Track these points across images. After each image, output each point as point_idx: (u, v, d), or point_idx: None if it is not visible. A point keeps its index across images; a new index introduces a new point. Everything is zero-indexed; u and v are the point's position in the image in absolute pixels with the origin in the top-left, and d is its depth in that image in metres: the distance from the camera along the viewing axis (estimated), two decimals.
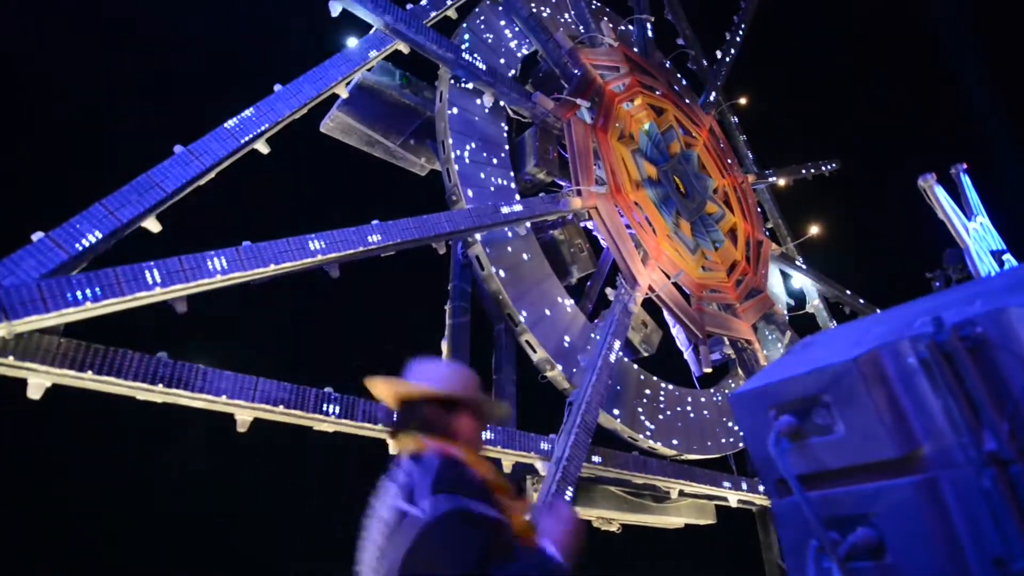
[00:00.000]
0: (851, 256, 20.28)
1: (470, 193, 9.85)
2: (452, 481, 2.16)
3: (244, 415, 6.61)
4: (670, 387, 11.81)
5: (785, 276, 17.11)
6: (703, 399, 12.41)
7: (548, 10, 13.53)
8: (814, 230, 17.61)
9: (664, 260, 11.99)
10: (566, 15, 13.91)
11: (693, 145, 14.88)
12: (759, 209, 17.03)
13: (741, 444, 12.16)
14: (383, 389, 2.58)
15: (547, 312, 9.97)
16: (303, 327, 13.58)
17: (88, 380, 5.81)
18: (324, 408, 7.00)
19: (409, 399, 2.51)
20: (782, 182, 18.60)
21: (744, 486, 11.53)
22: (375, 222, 7.86)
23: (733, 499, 11.50)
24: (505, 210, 9.52)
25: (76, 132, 11.92)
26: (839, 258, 18.89)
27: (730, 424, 12.40)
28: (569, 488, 8.37)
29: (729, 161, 16.32)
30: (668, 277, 11.81)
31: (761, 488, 11.54)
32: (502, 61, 11.92)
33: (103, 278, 5.89)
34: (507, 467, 8.79)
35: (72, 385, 5.84)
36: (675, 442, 11.08)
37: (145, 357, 6.05)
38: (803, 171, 19.14)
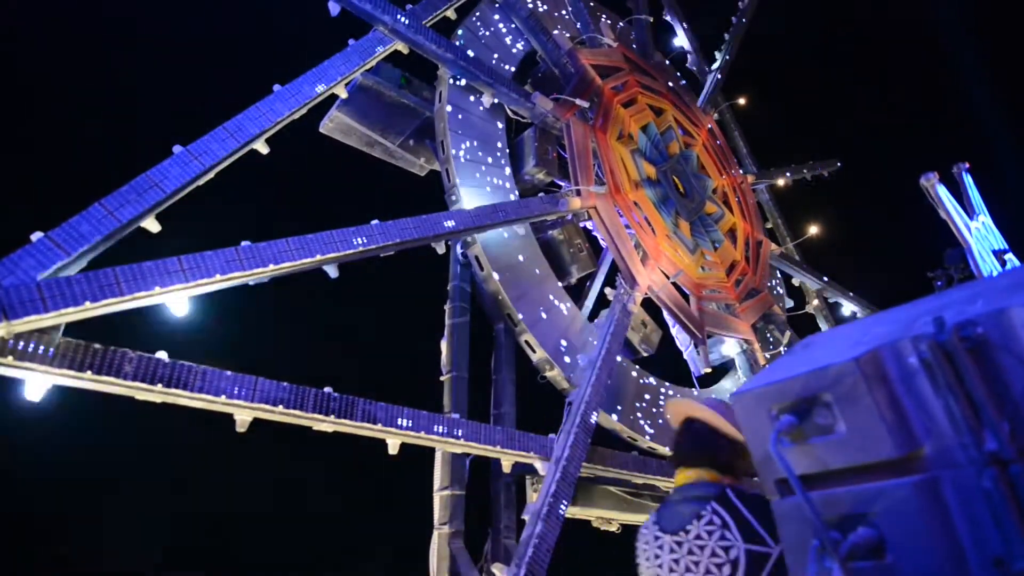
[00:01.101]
0: (851, 256, 20.29)
1: (470, 193, 9.85)
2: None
3: (243, 415, 6.61)
4: (669, 386, 11.80)
5: (786, 276, 17.11)
6: (703, 399, 12.41)
7: (545, 6, 13.53)
8: (814, 230, 17.60)
9: (663, 260, 11.99)
10: (563, 11, 13.91)
11: (692, 145, 14.87)
12: (758, 209, 17.02)
13: None
14: (682, 408, 2.81)
15: (546, 312, 9.97)
16: (302, 327, 13.58)
17: (87, 380, 5.81)
18: (323, 408, 7.00)
19: (706, 430, 2.70)
20: (781, 182, 18.59)
21: None
22: (375, 222, 7.87)
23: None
24: (506, 210, 9.52)
25: (75, 132, 11.91)
26: (839, 258, 18.89)
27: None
28: (569, 488, 8.37)
29: (728, 161, 16.32)
30: (667, 277, 11.81)
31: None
32: (500, 61, 11.92)
33: (102, 278, 5.89)
34: (507, 467, 8.79)
35: (71, 385, 5.84)
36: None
37: (144, 357, 6.05)
38: (803, 171, 19.13)
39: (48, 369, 5.62)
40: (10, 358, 5.47)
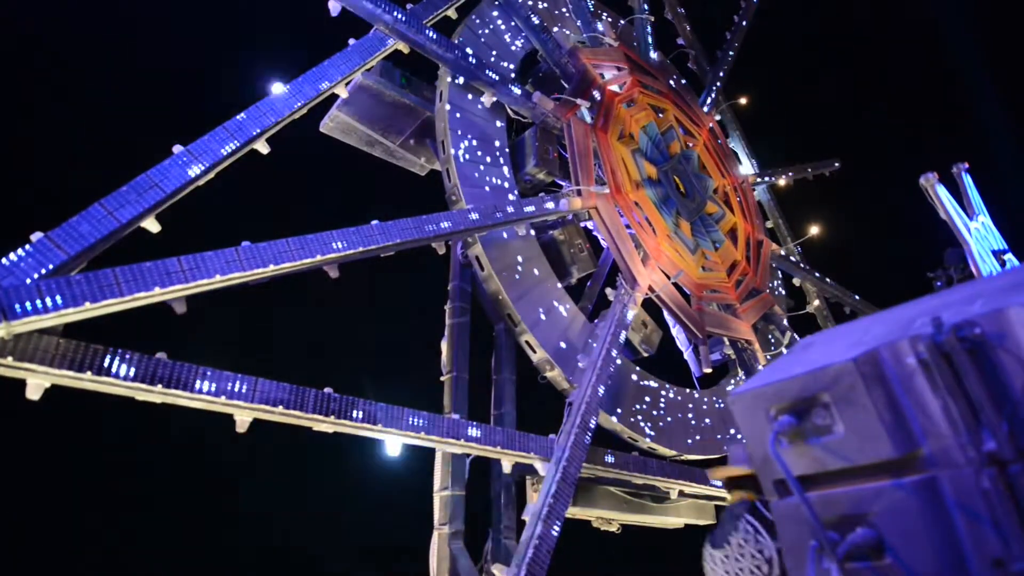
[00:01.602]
0: (852, 256, 20.27)
1: (470, 193, 9.83)
2: None
3: (243, 415, 6.60)
4: (670, 387, 11.80)
5: (787, 276, 17.12)
6: (704, 400, 12.40)
7: (546, 5, 13.52)
8: (814, 230, 17.59)
9: (664, 260, 11.98)
10: (563, 8, 13.89)
11: (693, 145, 14.86)
12: (759, 209, 17.01)
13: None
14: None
15: (547, 312, 9.96)
16: (302, 327, 13.58)
17: (87, 381, 5.80)
18: (323, 408, 6.99)
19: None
20: (782, 182, 18.57)
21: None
22: (374, 222, 7.86)
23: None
24: (506, 210, 9.52)
25: (75, 132, 11.92)
26: (840, 258, 18.88)
27: (731, 426, 12.39)
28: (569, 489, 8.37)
29: (729, 161, 16.31)
30: (668, 277, 11.80)
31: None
32: (501, 60, 11.91)
33: (102, 278, 5.88)
34: (507, 468, 8.79)
35: (71, 386, 5.83)
36: (675, 443, 11.07)
37: (144, 357, 6.04)
38: (804, 171, 19.10)
39: (48, 370, 5.61)
40: (10, 359, 5.46)
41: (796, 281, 17.14)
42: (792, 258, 17.35)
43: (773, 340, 14.42)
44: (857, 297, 17.20)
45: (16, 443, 10.07)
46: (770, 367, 2.29)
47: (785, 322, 14.88)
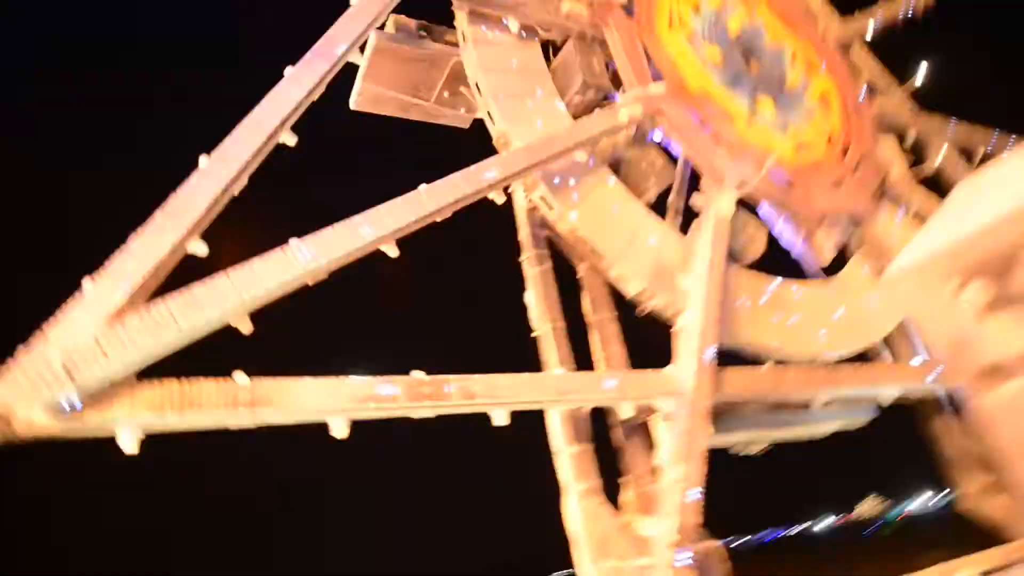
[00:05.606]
0: (974, 92, 17.61)
1: (518, 131, 8.96)
2: None
3: (337, 421, 6.29)
4: (792, 284, 10.54)
5: (900, 131, 14.94)
6: (831, 291, 11.05)
7: None
8: (919, 73, 15.13)
9: (750, 149, 10.64)
10: None
11: (754, 10, 12.96)
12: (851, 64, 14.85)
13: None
14: None
15: (632, 238, 9.04)
16: (375, 317, 13.41)
17: (171, 419, 5.62)
18: (418, 395, 6.57)
19: None
20: (869, 29, 16.14)
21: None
22: (423, 187, 7.23)
23: (886, 395, 10.25)
24: (561, 138, 8.59)
25: (83, 138, 12.09)
26: (958, 98, 16.37)
27: (865, 315, 10.98)
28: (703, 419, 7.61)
29: (803, 17, 14.22)
30: (759, 168, 10.45)
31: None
32: None
33: (157, 316, 5.63)
34: (629, 412, 8.10)
35: (160, 430, 5.68)
36: (808, 344, 9.94)
37: (221, 383, 5.80)
38: (886, 14, 16.49)
39: (130, 419, 5.46)
40: (92, 416, 5.34)
41: (912, 132, 14.86)
42: (903, 109, 15.00)
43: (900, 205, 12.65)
44: (992, 130, 14.71)
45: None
46: (929, 228, 1.53)
47: (909, 182, 13.00)
